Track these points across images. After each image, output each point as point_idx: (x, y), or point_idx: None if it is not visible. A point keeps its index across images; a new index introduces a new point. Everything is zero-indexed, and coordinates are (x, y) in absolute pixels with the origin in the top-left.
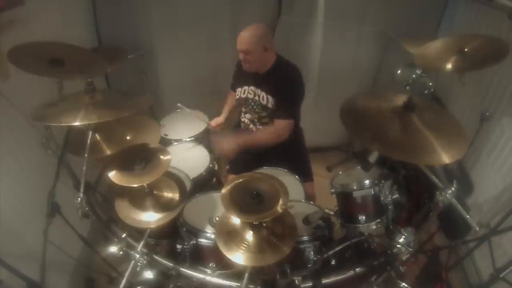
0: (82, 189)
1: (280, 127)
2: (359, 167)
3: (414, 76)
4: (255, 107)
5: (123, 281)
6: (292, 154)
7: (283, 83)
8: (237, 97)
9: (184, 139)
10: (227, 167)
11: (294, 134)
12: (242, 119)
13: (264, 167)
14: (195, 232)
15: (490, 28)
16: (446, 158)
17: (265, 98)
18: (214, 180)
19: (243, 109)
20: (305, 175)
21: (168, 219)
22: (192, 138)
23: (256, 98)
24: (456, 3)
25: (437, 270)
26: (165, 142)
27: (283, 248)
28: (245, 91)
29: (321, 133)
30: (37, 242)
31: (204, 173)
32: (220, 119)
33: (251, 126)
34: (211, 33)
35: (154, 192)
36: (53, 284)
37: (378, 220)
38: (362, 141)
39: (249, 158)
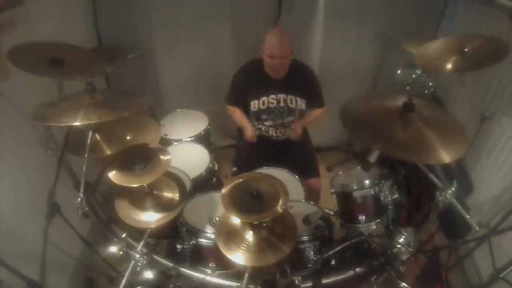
0: (82, 189)
1: (321, 114)
2: (359, 167)
3: (414, 76)
4: (279, 113)
5: (123, 281)
6: (302, 150)
7: (307, 79)
8: (255, 109)
9: (184, 139)
10: (234, 169)
11: (305, 130)
12: (259, 127)
13: (264, 167)
14: (195, 232)
15: (490, 28)
16: (446, 156)
17: (294, 101)
18: (214, 180)
19: (263, 117)
20: (313, 171)
21: (168, 219)
22: (192, 138)
23: (282, 104)
24: (456, 3)
25: (437, 270)
26: (165, 142)
27: (283, 248)
28: (265, 102)
29: (321, 133)
30: (37, 242)
31: (204, 173)
32: (251, 131)
33: (270, 132)
34: (211, 33)
35: (154, 192)
36: (53, 284)
37: (378, 220)
38: (362, 140)
39: (259, 160)
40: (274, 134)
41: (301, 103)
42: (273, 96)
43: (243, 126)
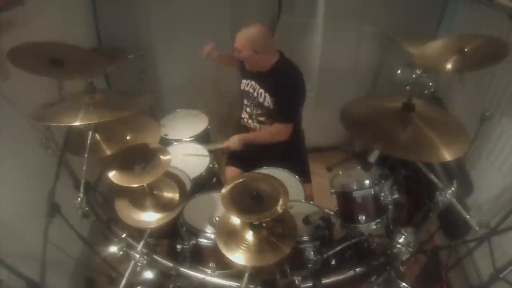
0: (82, 189)
1: (279, 130)
2: (359, 167)
3: (414, 76)
4: (253, 103)
5: (123, 281)
6: (291, 155)
7: (284, 84)
8: (242, 88)
9: (184, 139)
10: (226, 160)
11: (295, 135)
12: (243, 116)
13: (264, 167)
14: (195, 232)
15: (490, 28)
16: (447, 154)
17: (263, 96)
18: (214, 180)
19: (245, 102)
20: (303, 176)
21: (168, 219)
22: (192, 138)
23: (255, 94)
24: (456, 3)
25: (437, 270)
26: (165, 142)
27: (283, 248)
28: (248, 84)
29: (321, 133)
30: (37, 242)
31: (204, 173)
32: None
33: (249, 121)
34: (211, 33)
35: (154, 192)
36: (53, 284)
37: (378, 220)
38: (363, 141)
39: (249, 153)
40: (252, 126)
41: (268, 101)
42: (253, 82)
43: None
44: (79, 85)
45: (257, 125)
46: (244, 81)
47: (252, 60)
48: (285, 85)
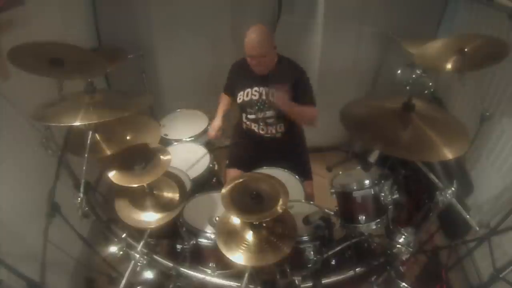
0: (82, 189)
1: (313, 112)
2: (359, 167)
3: (414, 76)
4: (261, 107)
5: (123, 281)
6: (293, 152)
7: (295, 74)
8: (240, 101)
9: (184, 139)
10: (227, 162)
11: (295, 132)
12: (244, 121)
13: (264, 167)
14: (195, 232)
15: (490, 28)
16: (448, 153)
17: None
18: (214, 180)
19: (248, 110)
20: (305, 174)
21: (168, 219)
22: (192, 138)
23: (264, 97)
24: (456, 3)
25: (437, 270)
26: (165, 142)
27: (283, 248)
28: (249, 94)
29: (321, 133)
30: (37, 242)
31: (204, 173)
32: (216, 123)
33: (253, 126)
34: (211, 33)
35: (154, 192)
36: (53, 284)
37: (378, 220)
38: (364, 141)
39: (249, 154)
40: (256, 130)
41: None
42: (256, 88)
43: (216, 116)
44: (79, 85)
45: (264, 128)
46: (241, 93)
47: (273, 59)
48: (300, 74)
